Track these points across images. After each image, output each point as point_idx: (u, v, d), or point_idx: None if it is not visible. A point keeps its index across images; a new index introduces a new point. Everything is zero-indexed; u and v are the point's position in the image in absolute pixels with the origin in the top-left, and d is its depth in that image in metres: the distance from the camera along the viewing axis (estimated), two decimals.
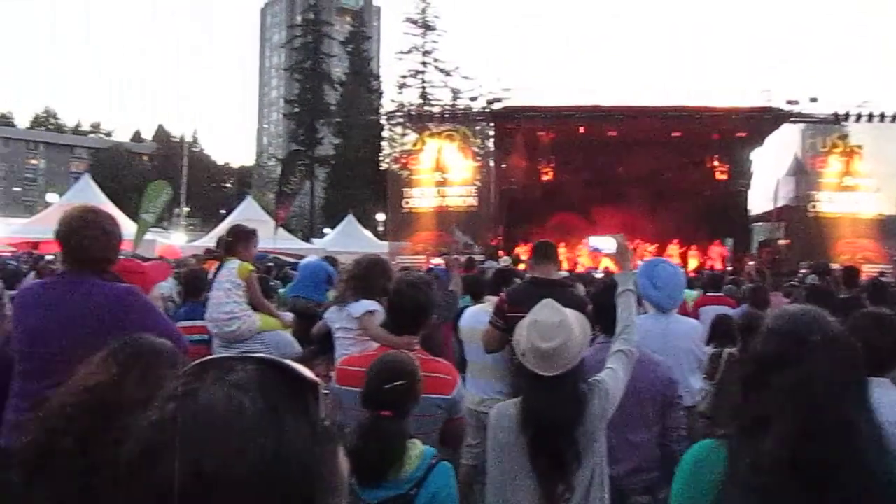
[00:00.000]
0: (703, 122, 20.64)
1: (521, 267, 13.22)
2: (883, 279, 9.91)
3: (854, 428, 1.49)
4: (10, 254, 17.50)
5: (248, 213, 24.26)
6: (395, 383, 2.38)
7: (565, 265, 16.15)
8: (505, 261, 16.84)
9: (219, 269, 4.44)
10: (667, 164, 22.52)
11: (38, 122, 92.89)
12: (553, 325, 2.52)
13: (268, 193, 51.77)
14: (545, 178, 22.93)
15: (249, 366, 0.78)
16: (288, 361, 0.81)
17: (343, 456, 0.82)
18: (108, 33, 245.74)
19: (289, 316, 4.53)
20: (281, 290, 6.39)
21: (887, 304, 5.90)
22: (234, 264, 4.37)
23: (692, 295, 8.15)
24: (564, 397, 2.48)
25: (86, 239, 2.77)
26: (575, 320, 2.59)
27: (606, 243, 3.28)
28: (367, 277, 3.75)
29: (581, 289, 5.83)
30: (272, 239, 20.04)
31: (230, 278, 4.32)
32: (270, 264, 11.90)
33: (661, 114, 20.44)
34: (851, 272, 7.56)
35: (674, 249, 21.23)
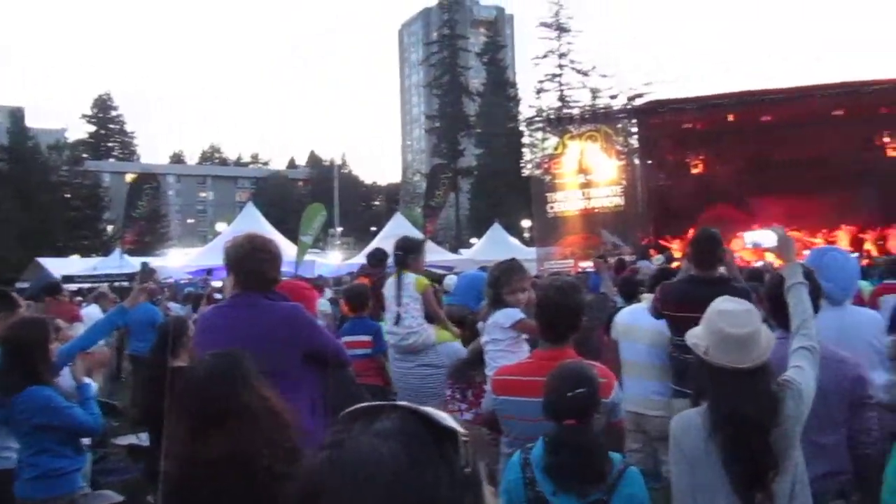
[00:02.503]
0: (867, 96, 19.08)
1: (675, 265, 12.78)
2: None
3: None
4: (187, 281, 19.06)
5: (397, 228, 24.89)
6: (578, 391, 2.37)
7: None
8: (658, 260, 16.35)
9: (398, 282, 4.61)
10: (829, 145, 20.92)
11: (205, 158, 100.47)
12: (742, 312, 2.44)
13: (415, 208, 53.09)
14: (695, 170, 22.00)
15: (393, 414, 0.82)
16: (430, 410, 0.84)
17: (489, 497, 0.84)
18: (256, 66, 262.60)
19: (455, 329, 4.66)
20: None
21: None
22: (410, 279, 4.55)
23: (866, 286, 7.57)
24: (758, 394, 2.35)
25: (258, 262, 3.02)
26: (757, 312, 2.50)
27: (766, 237, 3.12)
28: (500, 285, 3.70)
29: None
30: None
31: (409, 292, 4.50)
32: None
33: (819, 92, 19.14)
34: None
35: (843, 237, 19.73)
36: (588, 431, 2.34)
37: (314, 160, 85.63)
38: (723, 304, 2.50)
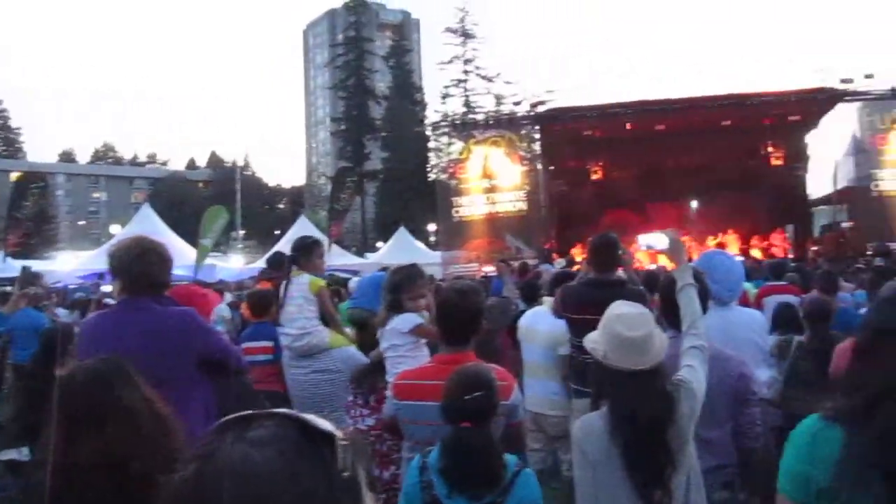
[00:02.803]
0: (753, 108, 20.27)
1: (577, 268, 13.11)
2: None
3: None
4: (77, 285, 18.16)
5: (301, 232, 24.39)
6: (475, 394, 2.37)
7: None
8: (560, 263, 16.73)
9: (287, 283, 4.52)
10: (720, 153, 22.09)
11: (98, 157, 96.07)
12: (637, 315, 2.52)
13: (320, 212, 52.49)
14: (595, 177, 22.76)
15: (268, 422, 0.81)
16: (307, 415, 0.83)
17: (369, 503, 0.83)
18: (153, 64, 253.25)
19: (349, 331, 4.60)
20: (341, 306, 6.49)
21: None
22: (305, 279, 4.46)
23: (752, 288, 7.99)
24: (654, 394, 2.44)
25: (146, 266, 2.91)
26: (651, 315, 2.58)
27: (658, 240, 3.23)
28: (400, 290, 3.65)
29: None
30: (326, 256, 20.26)
31: (303, 293, 4.41)
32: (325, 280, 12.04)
33: (709, 104, 20.16)
34: None
35: (732, 240, 20.82)
36: (484, 434, 2.35)
37: (215, 161, 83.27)
38: (619, 308, 2.57)
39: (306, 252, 4.65)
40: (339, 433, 0.83)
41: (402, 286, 3.56)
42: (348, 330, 4.55)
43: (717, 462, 3.10)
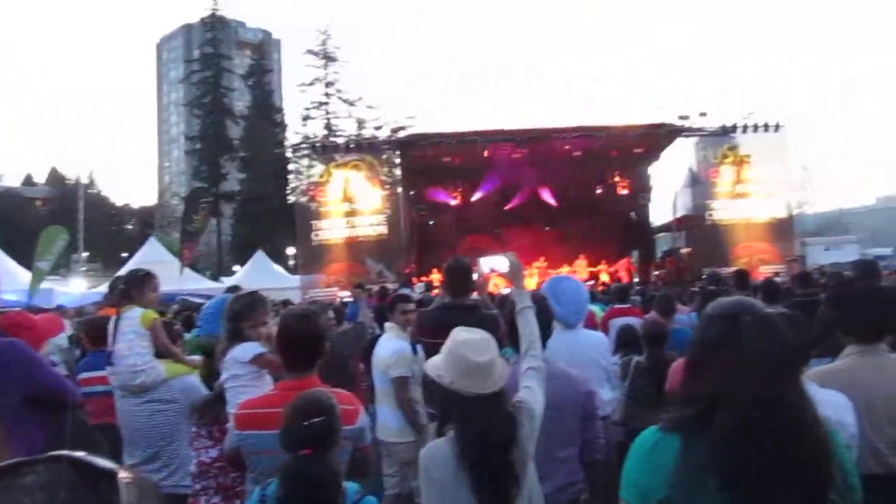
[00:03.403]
0: (601, 140, 21.40)
1: (435, 293, 13.31)
2: (777, 279, 10.49)
3: (792, 397, 1.64)
4: None
5: (151, 254, 23.44)
6: (314, 420, 2.34)
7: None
8: (419, 287, 16.93)
9: (118, 318, 4.26)
10: (571, 182, 23.34)
11: None
12: (480, 341, 2.55)
13: (172, 233, 50.28)
14: (454, 202, 23.32)
15: (40, 466, 0.78)
16: (84, 455, 0.81)
17: None
18: None
19: (195, 358, 4.40)
20: (186, 336, 6.19)
21: (779, 302, 6.24)
22: (135, 313, 4.21)
23: (599, 311, 8.40)
24: (499, 417, 2.48)
25: None
26: (493, 339, 2.62)
27: (499, 262, 3.31)
28: (241, 318, 3.50)
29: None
30: (178, 280, 19.48)
31: (133, 328, 4.15)
32: (175, 306, 11.50)
33: (561, 134, 21.14)
34: (741, 275, 7.95)
35: (582, 265, 21.86)
36: (324, 461, 2.32)
37: (56, 178, 77.75)
38: (462, 334, 2.60)
39: (138, 285, 4.39)
40: (121, 471, 0.80)
41: (242, 314, 3.42)
42: (196, 358, 4.35)
43: (568, 479, 3.20)
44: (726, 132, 20.69)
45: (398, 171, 22.48)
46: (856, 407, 2.79)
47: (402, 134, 21.76)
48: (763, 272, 17.82)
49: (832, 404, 2.73)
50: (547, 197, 23.28)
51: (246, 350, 3.31)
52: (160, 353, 4.17)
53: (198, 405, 3.53)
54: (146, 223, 66.56)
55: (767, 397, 1.62)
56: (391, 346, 5.20)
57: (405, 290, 13.25)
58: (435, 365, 2.55)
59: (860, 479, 2.73)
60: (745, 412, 1.60)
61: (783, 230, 21.01)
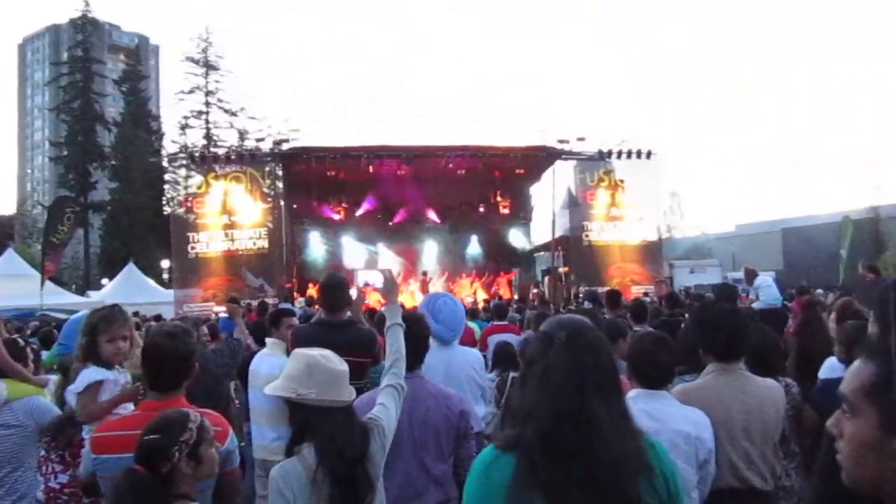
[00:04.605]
0: (485, 159, 21.80)
1: (317, 307, 13.12)
2: (646, 298, 10.99)
3: (596, 412, 1.69)
4: None
5: (9, 266, 21.95)
6: (148, 437, 2.27)
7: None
8: (300, 303, 16.66)
9: None
10: (455, 200, 23.67)
11: None
12: (331, 353, 2.55)
13: (33, 244, 47.21)
14: (337, 217, 23.11)
15: None
16: None
17: None
18: None
19: (46, 378, 4.11)
20: (45, 354, 5.79)
21: (646, 321, 6.55)
22: None
23: (478, 327, 8.56)
24: (356, 427, 2.49)
25: None
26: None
27: (375, 277, 3.32)
28: (97, 332, 3.31)
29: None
30: (38, 294, 18.34)
31: None
32: (35, 322, 10.79)
33: (446, 153, 21.34)
34: (613, 295, 8.23)
35: (465, 283, 22.18)
36: (151, 479, 2.23)
37: None
38: (312, 350, 2.58)
39: None
40: None
41: (98, 328, 3.23)
42: (45, 378, 4.07)
43: (444, 496, 3.22)
44: (602, 157, 21.39)
45: (280, 185, 22.08)
46: (714, 423, 2.96)
47: (285, 147, 21.23)
48: (634, 292, 18.64)
49: (691, 420, 2.89)
50: (431, 214, 23.50)
51: (81, 380, 3.10)
52: (2, 373, 3.87)
53: (48, 427, 3.29)
54: (4, 233, 62.11)
55: (566, 412, 1.68)
56: (274, 362, 5.03)
57: (286, 305, 13.00)
58: (288, 386, 2.47)
59: (719, 494, 2.90)
60: (545, 427, 1.67)
61: (653, 252, 21.93)
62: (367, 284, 3.29)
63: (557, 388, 1.70)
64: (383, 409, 2.71)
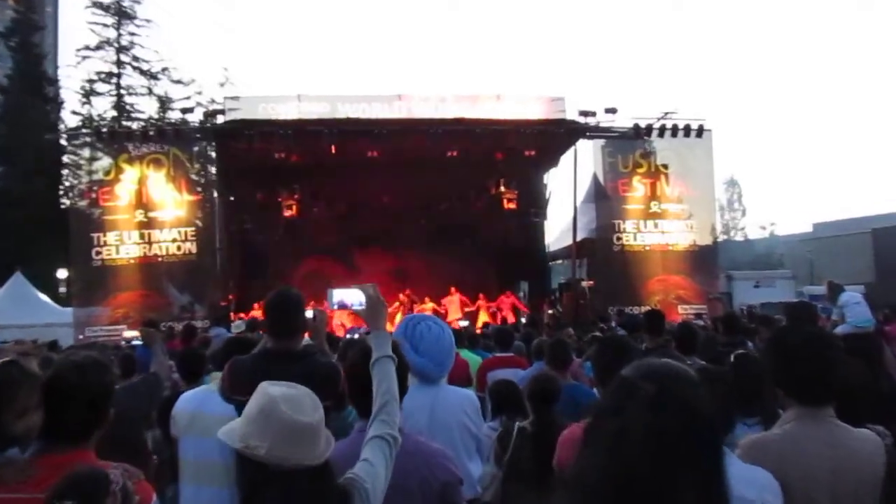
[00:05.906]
0: (483, 137, 21.10)
1: (264, 332, 12.97)
2: (697, 322, 10.92)
3: (678, 499, 1.61)
4: None
5: None
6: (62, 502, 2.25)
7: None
8: (238, 326, 16.49)
9: None
10: (443, 191, 23.37)
11: None
12: (304, 396, 2.49)
13: None
14: (289, 213, 22.91)
15: None
16: None
17: None
18: None
19: None
20: None
21: (697, 353, 6.47)
22: None
23: (474, 358, 8.46)
24: (328, 495, 2.45)
25: None
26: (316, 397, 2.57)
27: (354, 296, 3.25)
28: None
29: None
30: None
31: None
32: None
33: (431, 128, 20.71)
34: (654, 317, 7.97)
35: (455, 300, 21.88)
36: None
37: None
38: (275, 388, 2.50)
39: None
40: None
41: None
42: None
43: None
44: (639, 134, 21.27)
45: (213, 170, 21.99)
46: (791, 486, 2.87)
47: (220, 119, 21.12)
48: (681, 313, 18.62)
49: (749, 481, 2.80)
50: (412, 210, 23.39)
51: None
52: None
53: None
54: None
55: (639, 494, 1.60)
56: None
57: (219, 330, 12.90)
58: (241, 432, 2.43)
59: None
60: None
61: (705, 261, 21.94)
62: (341, 305, 3.20)
63: (632, 459, 1.61)
64: (367, 466, 2.68)
